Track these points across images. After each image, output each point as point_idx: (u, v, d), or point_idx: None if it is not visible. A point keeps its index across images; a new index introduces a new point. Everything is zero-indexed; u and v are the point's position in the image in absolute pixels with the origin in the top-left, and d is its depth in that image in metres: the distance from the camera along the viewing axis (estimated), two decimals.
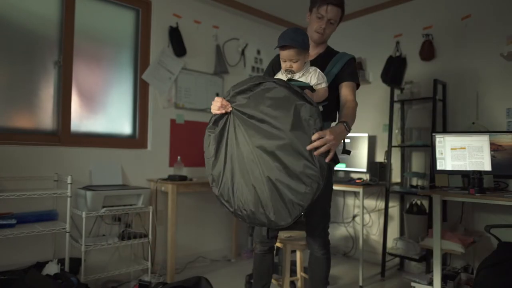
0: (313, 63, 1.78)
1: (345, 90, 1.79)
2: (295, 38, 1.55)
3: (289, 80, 1.61)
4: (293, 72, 1.61)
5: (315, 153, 1.43)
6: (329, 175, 1.84)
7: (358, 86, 1.86)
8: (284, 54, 1.59)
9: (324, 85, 1.64)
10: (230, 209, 1.60)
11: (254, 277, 2.03)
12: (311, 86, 1.61)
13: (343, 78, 1.80)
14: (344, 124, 1.61)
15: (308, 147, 1.43)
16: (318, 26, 1.78)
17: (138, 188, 2.80)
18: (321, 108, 1.62)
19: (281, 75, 1.68)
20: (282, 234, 2.37)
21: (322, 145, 1.42)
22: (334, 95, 1.80)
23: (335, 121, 1.88)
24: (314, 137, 1.43)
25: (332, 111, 1.87)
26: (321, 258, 1.90)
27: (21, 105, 2.64)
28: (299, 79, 1.61)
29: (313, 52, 1.86)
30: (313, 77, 1.62)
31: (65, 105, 2.81)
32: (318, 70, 1.65)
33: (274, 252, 2.06)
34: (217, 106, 1.60)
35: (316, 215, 1.86)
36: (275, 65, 1.91)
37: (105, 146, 2.98)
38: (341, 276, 3.19)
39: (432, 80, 3.03)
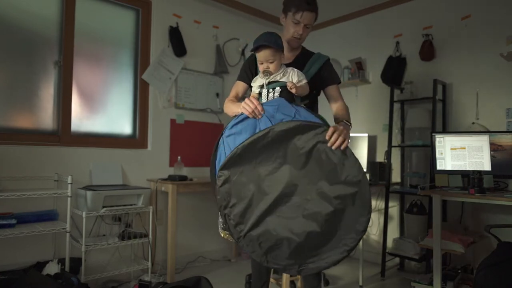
0: (292, 65, 1.81)
1: (332, 93, 1.84)
2: (268, 39, 1.60)
3: (271, 82, 1.63)
4: (270, 74, 1.63)
5: (333, 147, 1.35)
6: None
7: (339, 83, 1.92)
8: (261, 55, 1.62)
9: (304, 81, 1.68)
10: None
11: (252, 275, 2.03)
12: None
13: (327, 82, 1.84)
14: (344, 121, 1.69)
15: (329, 141, 1.36)
16: (295, 31, 1.81)
17: (138, 188, 2.80)
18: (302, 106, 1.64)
19: (259, 79, 1.69)
20: None
21: (338, 138, 1.36)
22: (312, 95, 1.85)
23: None
24: (329, 132, 1.37)
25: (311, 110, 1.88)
26: None
27: (21, 105, 2.64)
28: (280, 80, 1.64)
29: (290, 54, 1.89)
30: (293, 76, 1.66)
31: (65, 105, 2.82)
32: (296, 69, 1.69)
33: None
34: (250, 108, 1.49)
35: None
36: (251, 67, 1.89)
37: (105, 146, 2.98)
38: (341, 276, 3.19)
39: (432, 80, 3.03)
